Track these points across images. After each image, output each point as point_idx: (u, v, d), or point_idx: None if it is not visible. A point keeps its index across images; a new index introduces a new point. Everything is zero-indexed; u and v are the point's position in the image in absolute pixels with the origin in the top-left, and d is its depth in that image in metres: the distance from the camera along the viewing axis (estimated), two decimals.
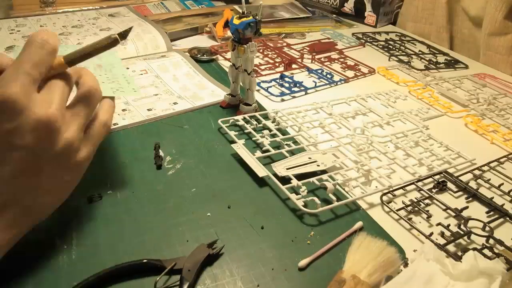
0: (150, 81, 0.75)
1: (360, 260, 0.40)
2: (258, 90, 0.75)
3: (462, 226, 0.48)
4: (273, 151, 0.58)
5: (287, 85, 0.78)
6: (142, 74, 0.77)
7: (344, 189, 0.52)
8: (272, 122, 0.65)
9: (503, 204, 0.53)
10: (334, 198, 0.50)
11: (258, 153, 0.56)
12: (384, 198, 0.52)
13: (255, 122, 0.64)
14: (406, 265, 0.43)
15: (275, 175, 0.53)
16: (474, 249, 0.45)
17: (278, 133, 0.61)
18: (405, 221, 0.49)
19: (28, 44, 0.36)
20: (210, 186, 0.52)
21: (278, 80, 0.79)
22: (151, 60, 0.82)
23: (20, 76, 0.34)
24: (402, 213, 0.50)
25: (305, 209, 0.48)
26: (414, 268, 0.39)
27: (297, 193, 0.50)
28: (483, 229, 0.49)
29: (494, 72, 0.95)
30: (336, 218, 0.49)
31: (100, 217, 0.46)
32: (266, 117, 0.66)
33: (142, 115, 0.65)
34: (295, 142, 0.61)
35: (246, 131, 0.63)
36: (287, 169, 0.54)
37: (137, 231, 0.45)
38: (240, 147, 0.57)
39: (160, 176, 0.53)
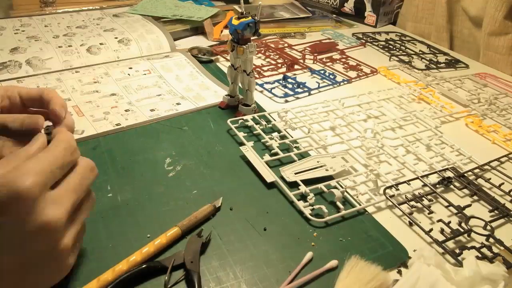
0: (154, 81, 0.75)
1: (350, 286, 0.39)
2: (261, 91, 0.76)
3: (463, 224, 0.49)
4: (282, 154, 0.57)
5: (290, 86, 0.78)
6: (145, 74, 0.78)
7: (352, 197, 0.52)
8: (280, 122, 0.64)
9: (503, 204, 0.53)
10: (342, 206, 0.50)
11: (267, 157, 0.56)
12: (388, 191, 0.52)
13: (264, 123, 0.64)
14: (406, 266, 0.44)
15: (282, 178, 0.53)
16: (473, 247, 0.46)
17: (287, 134, 0.62)
18: (407, 216, 0.49)
19: (57, 144, 0.35)
20: (211, 188, 0.52)
21: (281, 81, 0.79)
22: (154, 60, 0.83)
23: (44, 173, 0.32)
24: (404, 208, 0.50)
25: (312, 217, 0.48)
26: (416, 273, 0.39)
27: (304, 200, 0.50)
28: (484, 227, 0.49)
29: (494, 72, 0.95)
30: (337, 218, 0.49)
31: (100, 220, 0.46)
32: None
33: (145, 115, 0.65)
34: (304, 145, 0.61)
35: (255, 132, 0.63)
36: (295, 173, 0.54)
37: (138, 234, 0.45)
38: (248, 150, 0.57)
39: (161, 178, 0.53)
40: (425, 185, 0.54)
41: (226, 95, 0.69)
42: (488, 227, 0.49)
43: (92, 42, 0.84)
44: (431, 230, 0.47)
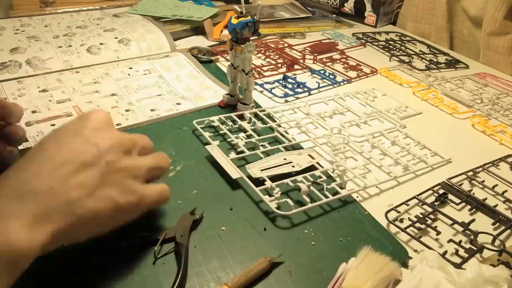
0: (154, 81, 0.75)
1: (360, 275, 0.39)
2: (261, 91, 0.76)
3: (473, 242, 0.47)
4: (248, 152, 0.57)
5: (290, 86, 0.78)
6: (145, 74, 0.77)
7: (318, 190, 0.51)
8: (248, 122, 0.64)
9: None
10: (308, 199, 0.49)
11: (233, 155, 0.56)
12: (389, 216, 0.49)
13: (230, 123, 0.63)
14: (406, 266, 0.43)
15: (249, 176, 0.52)
16: (492, 265, 0.43)
17: (253, 133, 0.61)
18: (416, 240, 0.46)
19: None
20: (211, 188, 0.52)
21: (281, 81, 0.79)
22: (154, 60, 0.83)
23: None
24: (410, 231, 0.48)
25: (278, 211, 0.47)
26: (419, 275, 0.39)
27: (270, 195, 0.50)
28: (493, 243, 0.47)
29: (494, 72, 0.95)
30: (337, 218, 0.49)
31: None
32: (242, 117, 0.65)
33: (145, 115, 0.65)
34: (271, 143, 0.60)
35: (221, 132, 0.62)
36: (261, 170, 0.53)
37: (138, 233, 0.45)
38: (214, 149, 0.57)
39: (160, 179, 0.53)
40: (423, 203, 0.52)
41: (226, 94, 0.69)
42: (497, 242, 0.47)
43: (92, 42, 0.84)
44: (445, 252, 0.45)
